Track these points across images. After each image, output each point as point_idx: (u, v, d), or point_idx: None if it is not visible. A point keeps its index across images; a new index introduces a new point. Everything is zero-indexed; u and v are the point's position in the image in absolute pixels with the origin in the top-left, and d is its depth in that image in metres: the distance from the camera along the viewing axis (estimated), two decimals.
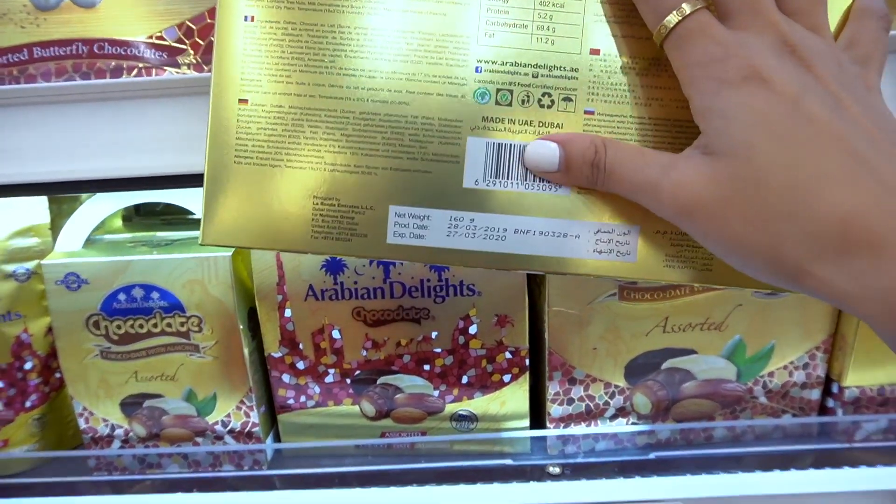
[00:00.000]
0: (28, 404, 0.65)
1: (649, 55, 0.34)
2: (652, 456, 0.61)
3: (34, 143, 0.47)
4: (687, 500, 0.54)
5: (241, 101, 0.35)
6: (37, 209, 0.63)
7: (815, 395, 0.61)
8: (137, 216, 0.72)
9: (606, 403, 0.61)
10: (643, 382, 0.60)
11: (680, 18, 0.30)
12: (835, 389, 0.61)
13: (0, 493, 0.61)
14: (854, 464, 0.58)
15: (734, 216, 0.29)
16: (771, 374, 0.60)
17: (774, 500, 0.55)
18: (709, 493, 0.55)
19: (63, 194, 0.65)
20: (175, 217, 0.71)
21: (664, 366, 0.59)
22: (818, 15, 0.31)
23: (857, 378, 0.59)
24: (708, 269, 0.35)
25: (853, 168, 0.27)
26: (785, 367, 0.60)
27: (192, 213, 0.66)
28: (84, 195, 0.68)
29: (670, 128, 0.34)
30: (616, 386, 0.60)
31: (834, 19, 0.33)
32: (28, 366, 0.64)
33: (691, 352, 0.59)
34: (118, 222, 0.69)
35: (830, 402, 0.62)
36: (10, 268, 0.62)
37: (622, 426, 0.62)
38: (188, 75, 0.50)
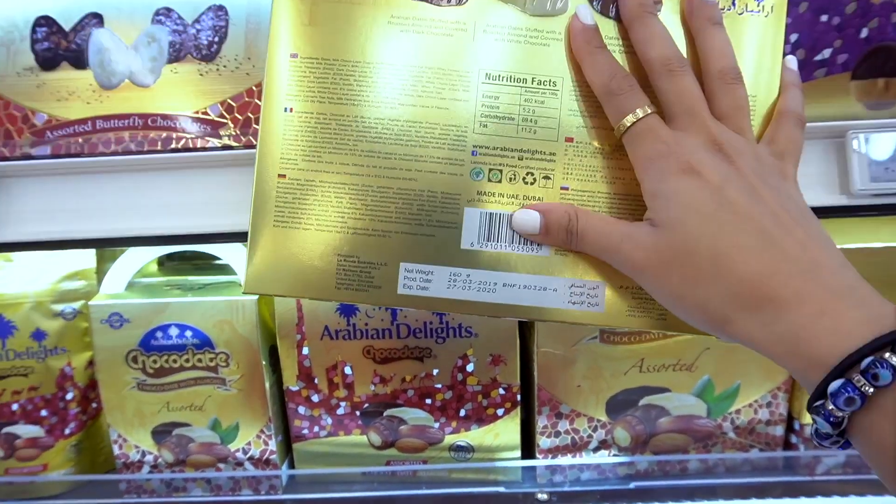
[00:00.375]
0: (67, 431, 0.72)
1: (613, 142, 0.42)
2: (632, 486, 0.67)
3: (95, 205, 0.55)
4: None
5: (279, 175, 0.43)
6: (84, 256, 0.71)
7: (779, 431, 0.68)
8: (170, 261, 0.80)
9: (590, 436, 0.68)
10: (623, 417, 0.67)
11: (634, 120, 0.38)
12: (796, 426, 0.67)
13: None
14: (814, 495, 0.64)
15: (673, 276, 0.36)
16: (738, 412, 0.67)
17: None
18: None
19: (116, 247, 0.73)
20: (204, 262, 0.79)
21: (641, 402, 0.66)
22: (741, 119, 0.39)
23: None
24: (662, 318, 0.43)
25: (761, 242, 0.35)
26: (750, 405, 0.67)
27: (220, 259, 0.74)
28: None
29: (630, 201, 0.42)
30: (598, 420, 0.67)
31: (760, 119, 0.42)
32: (69, 396, 0.71)
33: (665, 390, 0.66)
34: (154, 267, 0.77)
35: (794, 438, 0.68)
36: (59, 307, 0.70)
37: (604, 457, 0.68)
38: (216, 153, 0.58)
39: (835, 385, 0.31)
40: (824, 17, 0.53)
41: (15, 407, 0.70)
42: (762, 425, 0.67)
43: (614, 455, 0.68)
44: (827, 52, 0.52)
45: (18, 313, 0.69)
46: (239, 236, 0.55)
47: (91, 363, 0.72)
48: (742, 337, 0.35)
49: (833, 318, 0.32)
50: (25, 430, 0.70)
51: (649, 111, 0.38)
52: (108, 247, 0.69)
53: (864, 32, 0.52)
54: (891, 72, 0.52)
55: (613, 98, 0.39)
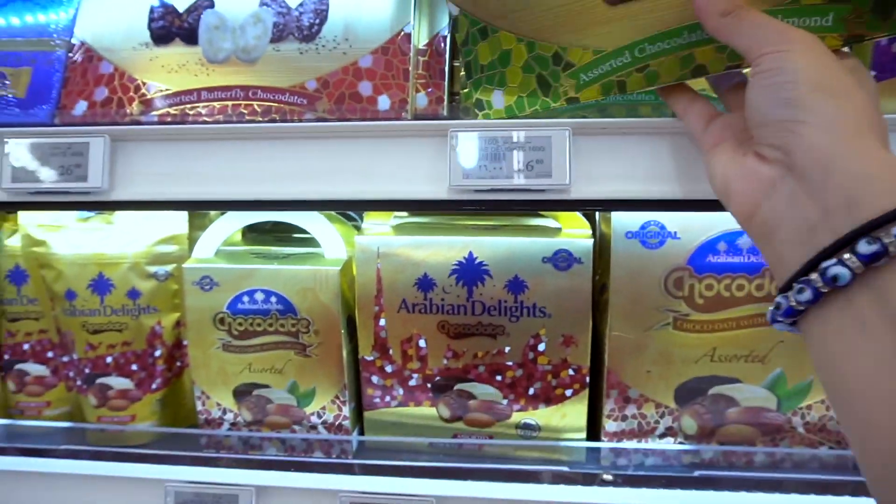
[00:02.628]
0: (154, 386, 0.76)
1: None
2: (696, 474, 0.67)
3: (200, 170, 0.59)
4: None
5: None
6: (177, 221, 0.76)
7: None
8: (251, 232, 0.84)
9: (657, 422, 0.68)
10: (691, 406, 0.67)
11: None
12: None
13: (126, 459, 0.71)
14: None
15: None
16: (809, 407, 0.67)
17: None
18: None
19: (217, 210, 0.76)
20: (284, 234, 0.83)
21: (710, 391, 0.67)
22: None
23: None
24: None
25: None
26: (823, 402, 0.66)
27: (300, 232, 0.77)
28: (213, 213, 0.81)
29: None
30: (666, 407, 0.68)
31: None
32: (157, 353, 0.76)
33: (736, 380, 0.66)
34: (238, 237, 0.80)
35: None
36: (153, 269, 0.74)
37: (670, 444, 0.69)
38: (312, 125, 0.60)
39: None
40: None
41: (109, 360, 0.74)
42: (833, 422, 0.67)
43: (680, 443, 0.69)
44: None
45: (117, 272, 0.73)
46: (329, 204, 0.58)
47: (178, 323, 0.77)
48: None
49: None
50: (117, 382, 0.75)
51: None
52: (208, 209, 0.73)
53: None
54: None
55: None
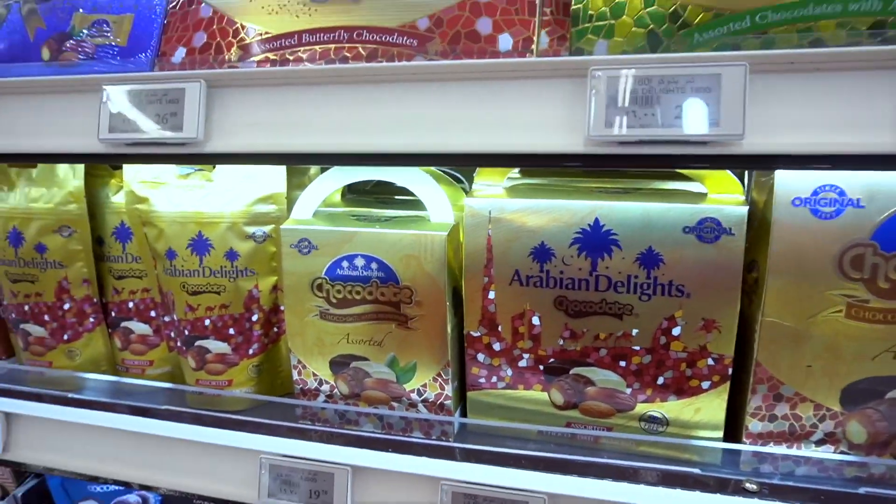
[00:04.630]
0: (251, 352, 0.73)
1: None
2: (861, 490, 0.56)
3: (300, 119, 0.53)
4: None
5: None
6: (276, 180, 0.71)
7: None
8: (351, 193, 0.79)
9: (815, 426, 0.58)
10: (861, 410, 0.56)
11: None
12: None
13: (224, 425, 0.69)
14: None
15: None
16: None
17: None
18: None
19: (321, 164, 0.72)
20: (386, 196, 0.77)
21: (889, 395, 0.55)
22: None
23: None
24: None
25: None
26: None
27: (404, 194, 0.71)
28: (313, 171, 0.76)
29: None
30: (829, 409, 0.57)
31: None
32: (255, 317, 0.73)
33: None
34: (338, 197, 0.76)
35: None
36: (251, 229, 0.71)
37: (829, 453, 0.58)
38: (425, 63, 0.53)
39: None
40: None
41: (207, 322, 0.72)
42: None
43: (842, 452, 0.58)
44: None
45: (216, 232, 0.70)
46: (443, 158, 0.51)
47: (275, 288, 0.73)
48: None
49: None
50: (215, 346, 0.73)
51: None
52: (309, 163, 0.69)
53: None
54: None
55: None
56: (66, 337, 0.79)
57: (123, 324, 0.80)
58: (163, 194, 0.72)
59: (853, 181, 0.52)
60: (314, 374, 0.70)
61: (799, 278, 0.54)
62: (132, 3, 0.64)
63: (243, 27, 0.59)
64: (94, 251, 0.78)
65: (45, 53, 0.65)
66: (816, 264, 0.53)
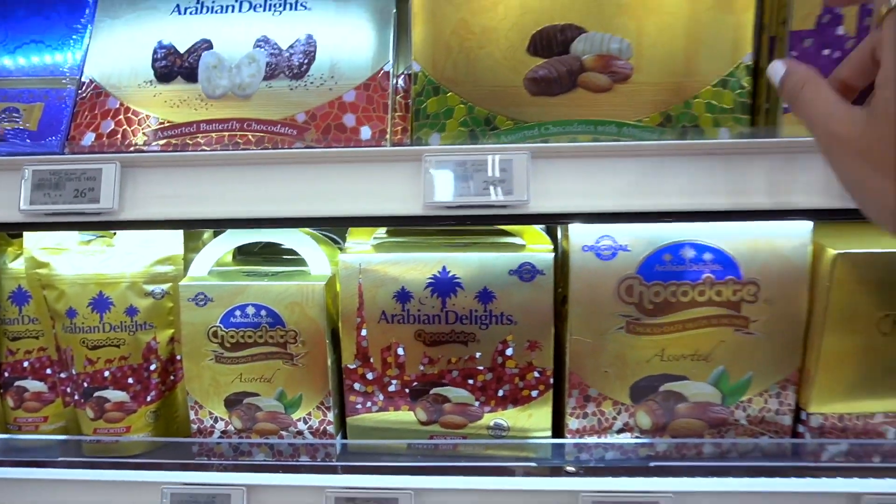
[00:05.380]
0: (149, 398, 0.81)
1: None
2: (651, 465, 0.74)
3: (200, 193, 0.65)
4: (678, 492, 0.68)
5: None
6: (173, 243, 0.82)
7: (787, 420, 0.75)
8: (241, 255, 0.90)
9: (615, 418, 0.75)
10: (644, 402, 0.75)
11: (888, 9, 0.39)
12: (803, 416, 0.74)
13: (123, 467, 0.76)
14: (819, 477, 0.71)
15: (865, 162, 0.38)
16: (749, 401, 0.74)
17: (753, 497, 0.68)
18: (696, 488, 0.68)
19: (217, 228, 0.83)
20: (271, 256, 0.89)
21: (661, 388, 0.74)
22: None
23: (820, 407, 0.73)
24: None
25: None
26: (761, 395, 0.74)
27: (287, 254, 0.84)
28: (206, 237, 0.87)
29: None
30: (622, 404, 0.75)
31: None
32: (153, 367, 0.81)
33: (684, 378, 0.74)
34: (230, 258, 0.87)
35: (800, 428, 0.75)
36: (150, 287, 0.80)
37: (627, 438, 0.76)
38: (301, 151, 0.68)
39: None
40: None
41: (107, 374, 0.79)
42: (772, 414, 0.74)
43: (636, 437, 0.76)
44: None
45: (116, 291, 0.79)
46: (317, 221, 0.65)
47: (172, 339, 0.82)
48: None
49: None
50: (114, 395, 0.80)
51: None
52: (208, 227, 0.79)
53: None
54: None
55: None
56: None
57: (17, 383, 0.84)
58: (64, 259, 0.80)
59: (622, 231, 0.72)
60: (210, 413, 0.79)
61: (592, 305, 0.72)
62: (42, 93, 0.74)
63: (147, 117, 0.71)
64: None
65: None
66: (602, 294, 0.72)
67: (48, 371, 0.84)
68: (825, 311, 0.70)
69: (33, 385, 0.84)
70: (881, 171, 0.38)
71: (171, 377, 0.83)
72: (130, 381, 0.80)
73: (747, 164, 0.59)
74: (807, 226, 0.70)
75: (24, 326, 0.84)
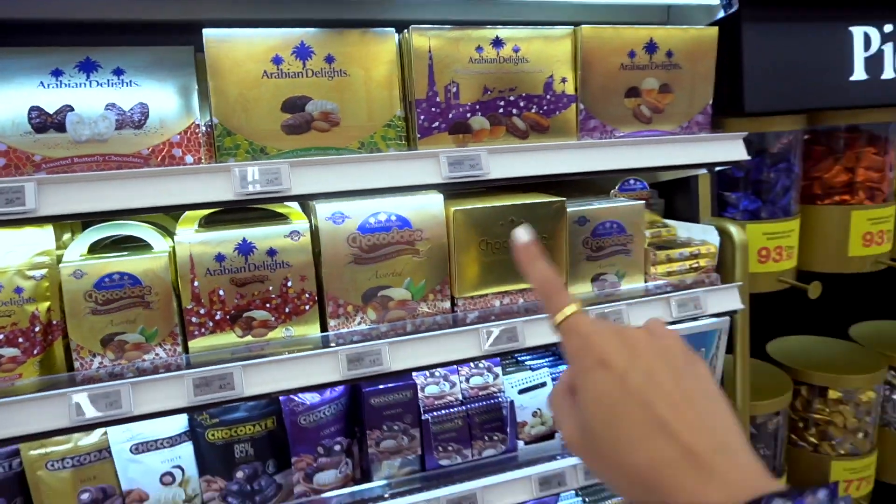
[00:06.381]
0: (35, 352, 1.15)
1: None
2: (377, 335, 1.31)
3: (79, 198, 1.06)
4: (391, 342, 1.25)
5: None
6: (47, 241, 1.18)
7: (447, 304, 1.38)
8: (101, 248, 1.28)
9: (354, 315, 1.31)
10: (370, 303, 1.32)
11: (562, 318, 0.48)
12: (456, 301, 1.38)
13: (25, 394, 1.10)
14: (463, 327, 1.35)
15: (589, 457, 0.45)
16: (425, 296, 1.36)
17: (424, 341, 1.29)
18: (404, 341, 1.27)
19: (93, 219, 1.20)
20: (125, 245, 1.28)
21: (378, 294, 1.32)
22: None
23: (461, 294, 1.38)
24: None
25: (652, 430, 0.40)
26: (432, 292, 1.36)
27: (134, 241, 1.24)
28: (66, 238, 1.24)
29: None
30: (358, 305, 1.31)
31: None
32: (36, 329, 1.16)
33: (390, 286, 1.32)
34: (86, 251, 1.24)
35: (455, 306, 1.39)
36: (31, 272, 1.15)
37: (363, 326, 1.32)
38: (147, 170, 1.13)
39: None
40: None
41: (1, 336, 1.12)
42: (439, 301, 1.37)
43: (369, 325, 1.32)
44: None
45: (5, 277, 1.13)
46: (163, 209, 1.10)
47: (49, 309, 1.18)
48: None
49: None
50: (7, 352, 1.13)
51: (575, 309, 0.47)
52: (92, 218, 1.17)
53: None
54: None
55: (548, 299, 0.49)
56: None
57: None
58: None
59: (347, 206, 1.28)
60: (90, 351, 1.16)
61: (333, 252, 1.27)
62: None
63: (33, 154, 1.09)
64: None
65: None
66: (339, 244, 1.27)
67: None
68: (455, 241, 1.34)
69: None
70: (594, 471, 0.44)
71: (50, 336, 1.18)
72: (20, 340, 1.14)
73: (403, 164, 1.19)
74: (440, 196, 1.34)
75: None
